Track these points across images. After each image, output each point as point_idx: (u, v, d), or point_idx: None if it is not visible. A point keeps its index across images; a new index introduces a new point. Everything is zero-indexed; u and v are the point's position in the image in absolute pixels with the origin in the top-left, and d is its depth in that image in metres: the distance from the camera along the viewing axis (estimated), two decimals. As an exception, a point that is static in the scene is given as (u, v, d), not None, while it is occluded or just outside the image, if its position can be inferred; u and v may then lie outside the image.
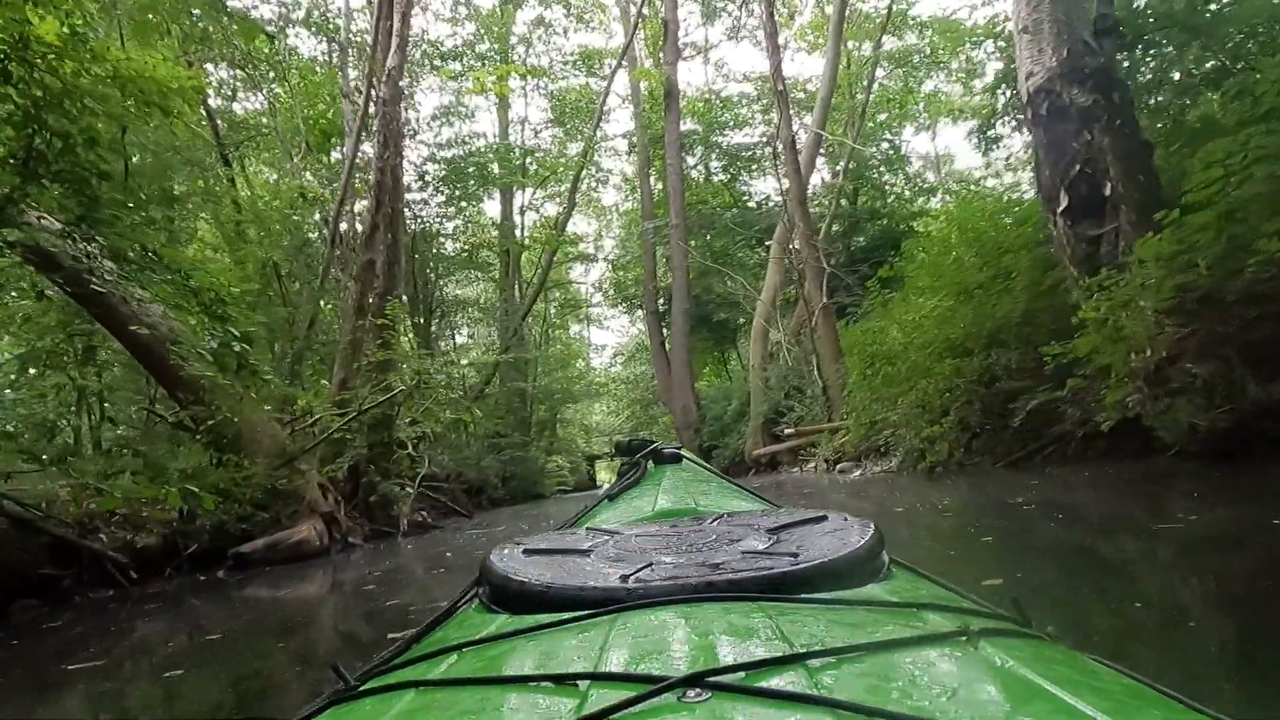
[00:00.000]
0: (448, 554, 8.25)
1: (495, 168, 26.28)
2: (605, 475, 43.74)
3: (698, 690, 0.59)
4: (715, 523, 1.33)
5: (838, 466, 15.19)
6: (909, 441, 10.04)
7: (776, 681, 0.61)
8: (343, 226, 13.62)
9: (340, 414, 11.48)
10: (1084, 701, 0.59)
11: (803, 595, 0.86)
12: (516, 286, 29.18)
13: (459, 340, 31.86)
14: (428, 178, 24.23)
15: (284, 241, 11.40)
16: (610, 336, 49.38)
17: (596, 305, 40.70)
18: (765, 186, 32.15)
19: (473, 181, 25.15)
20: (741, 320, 30.03)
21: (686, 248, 26.35)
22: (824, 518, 1.21)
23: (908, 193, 28.43)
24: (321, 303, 12.98)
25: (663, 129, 27.94)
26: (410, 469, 13.86)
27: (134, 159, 12.35)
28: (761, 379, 21.60)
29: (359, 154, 12.98)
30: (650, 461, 2.19)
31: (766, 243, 27.87)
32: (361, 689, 0.79)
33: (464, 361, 13.65)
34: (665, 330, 28.74)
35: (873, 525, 1.09)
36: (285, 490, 10.27)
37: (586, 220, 37.70)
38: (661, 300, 28.94)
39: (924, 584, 1.07)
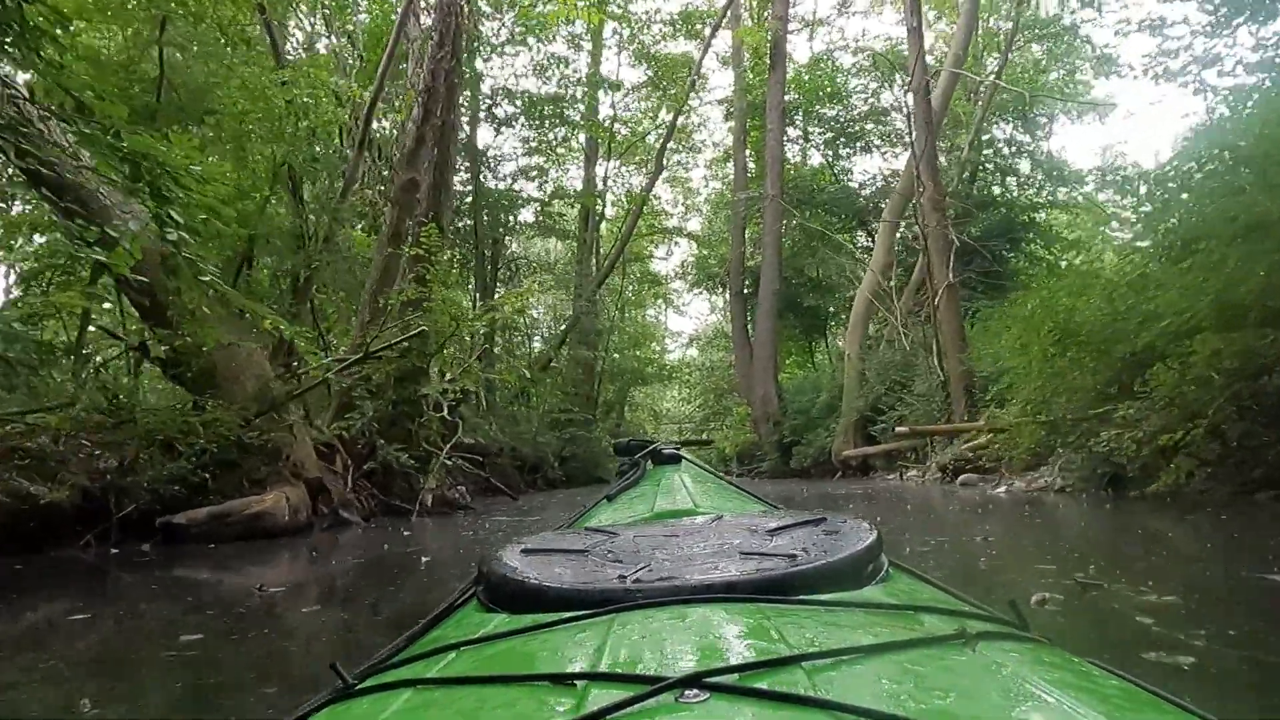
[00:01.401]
0: (423, 559, 5.40)
1: (578, 111, 23.18)
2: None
3: (696, 691, 0.57)
4: (714, 523, 1.27)
5: (959, 478, 12.01)
6: (1125, 450, 6.86)
7: (774, 683, 0.59)
8: (382, 134, 10.96)
9: (340, 359, 8.83)
10: (1081, 704, 0.57)
11: (801, 597, 0.83)
12: (594, 255, 26.38)
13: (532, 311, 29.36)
14: (499, 112, 21.19)
15: (290, 129, 8.72)
16: (688, 323, 46.26)
17: (676, 289, 37.80)
18: (870, 165, 28.80)
19: (552, 124, 22.21)
20: (833, 308, 26.73)
21: (782, 221, 23.23)
22: (823, 519, 1.15)
23: (1038, 176, 24.58)
24: (344, 221, 10.30)
25: (762, 96, 24.88)
26: (440, 435, 11.17)
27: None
28: (858, 370, 18.41)
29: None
30: (649, 462, 2.13)
31: (870, 225, 24.61)
32: (359, 687, 0.76)
33: (508, 308, 10.60)
34: (749, 314, 25.64)
35: (871, 527, 1.04)
36: (255, 445, 7.64)
37: (672, 198, 34.63)
38: (747, 282, 25.83)
39: (922, 586, 1.03)
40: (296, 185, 9.95)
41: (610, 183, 28.05)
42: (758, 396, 23.55)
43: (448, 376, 10.72)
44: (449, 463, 12.51)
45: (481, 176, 22.22)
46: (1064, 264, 23.31)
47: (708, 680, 0.58)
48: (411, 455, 10.66)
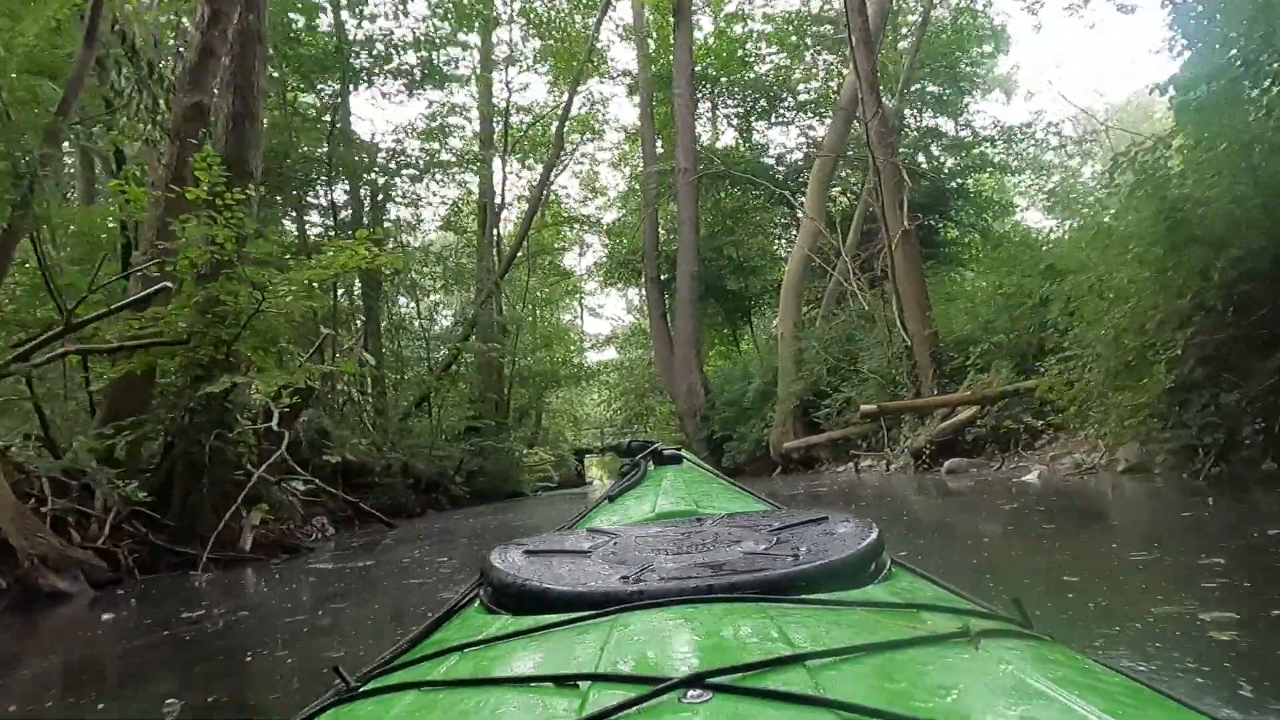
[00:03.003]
0: None
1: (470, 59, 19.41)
2: (595, 471, 38.27)
3: (698, 691, 0.56)
4: (716, 524, 1.23)
5: (946, 464, 9.29)
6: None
7: (777, 682, 0.57)
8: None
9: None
10: (1084, 702, 0.55)
11: (803, 596, 0.80)
12: (495, 248, 23.11)
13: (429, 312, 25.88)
14: (355, 63, 17.13)
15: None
16: (605, 326, 43.09)
17: (590, 290, 34.78)
18: (787, 140, 26.22)
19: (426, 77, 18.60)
20: (759, 288, 24.01)
21: (698, 199, 20.42)
22: (824, 518, 1.10)
23: (968, 135, 22.30)
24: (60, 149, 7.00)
25: (668, 66, 22.10)
26: (255, 451, 7.94)
27: None
28: (794, 350, 15.67)
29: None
30: (651, 462, 2.04)
31: (794, 197, 22.01)
32: (362, 690, 0.74)
33: (336, 265, 7.32)
34: (668, 301, 22.74)
35: (873, 526, 1.00)
36: None
37: (580, 195, 31.39)
38: (664, 267, 22.92)
39: (925, 584, 0.98)
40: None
41: (509, 181, 24.96)
42: (682, 391, 20.69)
43: (252, 373, 7.47)
44: (300, 488, 9.40)
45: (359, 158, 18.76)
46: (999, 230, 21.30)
47: (710, 680, 0.56)
48: (208, 483, 7.44)
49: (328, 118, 16.69)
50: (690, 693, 0.55)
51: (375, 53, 16.64)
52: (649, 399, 29.17)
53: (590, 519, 1.71)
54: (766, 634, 0.68)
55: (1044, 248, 9.30)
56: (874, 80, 11.31)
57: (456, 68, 19.83)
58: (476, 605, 0.99)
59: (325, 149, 15.75)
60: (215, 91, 8.17)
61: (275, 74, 15.35)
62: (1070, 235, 7.54)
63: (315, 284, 7.14)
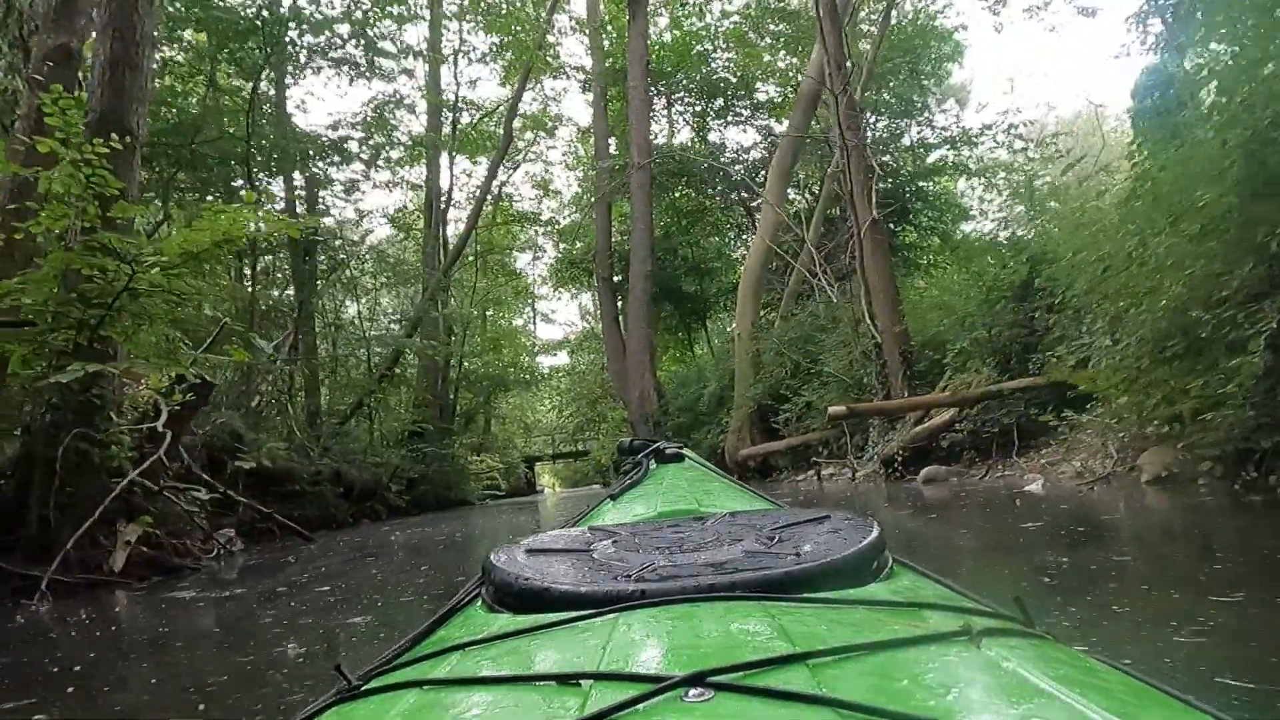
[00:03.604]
0: None
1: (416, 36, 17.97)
2: (546, 479, 37.18)
3: (700, 690, 0.55)
4: (717, 522, 1.22)
5: (922, 473, 8.36)
6: None
7: (779, 681, 0.56)
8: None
9: None
10: (1086, 701, 0.54)
11: (805, 595, 0.79)
12: (441, 246, 21.84)
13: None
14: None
15: None
16: (557, 331, 41.97)
17: (543, 294, 33.60)
18: (744, 139, 25.44)
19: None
20: (714, 292, 23.07)
21: (651, 195, 19.43)
22: (826, 517, 1.10)
23: (932, 137, 21.67)
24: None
25: (623, 61, 21.12)
26: (134, 455, 6.71)
27: None
28: (751, 351, 14.73)
29: None
30: (652, 460, 2.02)
31: (750, 202, 21.15)
32: (364, 689, 0.72)
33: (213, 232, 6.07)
34: (621, 304, 21.69)
35: (875, 524, 0.99)
36: None
37: (534, 197, 30.18)
38: (617, 266, 21.87)
39: (926, 583, 0.95)
40: None
41: (460, 180, 23.67)
42: (634, 396, 19.64)
43: (126, 366, 6.26)
44: (203, 496, 8.15)
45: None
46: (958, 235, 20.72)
47: (711, 679, 0.56)
48: (71, 491, 6.20)
49: (253, 93, 15.26)
50: (692, 691, 0.54)
51: (307, 22, 15.17)
52: (601, 405, 28.13)
53: (592, 517, 1.68)
54: (768, 633, 0.67)
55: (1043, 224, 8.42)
56: (841, 56, 10.44)
57: (402, 48, 18.45)
58: (478, 604, 0.96)
59: (246, 129, 14.29)
60: (92, 34, 6.98)
61: (191, 39, 14.03)
62: (1083, 199, 6.64)
63: (196, 255, 5.94)
